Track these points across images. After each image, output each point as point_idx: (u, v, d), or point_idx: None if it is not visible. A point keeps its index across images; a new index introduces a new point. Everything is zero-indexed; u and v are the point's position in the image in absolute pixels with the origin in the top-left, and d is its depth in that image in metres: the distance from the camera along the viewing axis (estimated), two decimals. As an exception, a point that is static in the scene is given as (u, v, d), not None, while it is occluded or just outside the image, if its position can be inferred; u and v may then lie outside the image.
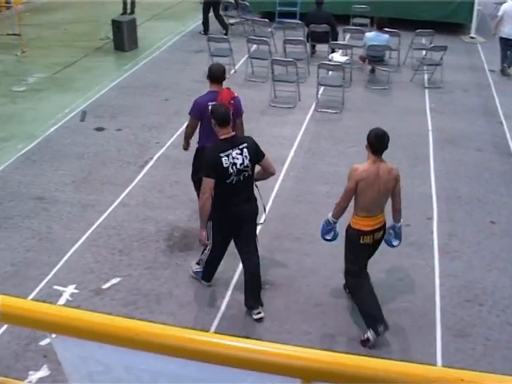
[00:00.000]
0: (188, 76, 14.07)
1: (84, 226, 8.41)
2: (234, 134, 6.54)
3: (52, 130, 11.48)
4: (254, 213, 6.72)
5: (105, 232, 8.30)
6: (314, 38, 15.18)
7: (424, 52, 14.68)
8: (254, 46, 14.88)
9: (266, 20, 16.26)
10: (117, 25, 15.91)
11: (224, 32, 17.02)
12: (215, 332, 6.45)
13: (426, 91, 13.51)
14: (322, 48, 15.19)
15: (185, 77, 13.95)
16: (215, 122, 6.48)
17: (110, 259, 7.76)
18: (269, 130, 11.34)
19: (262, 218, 7.05)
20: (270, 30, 16.03)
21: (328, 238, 6.69)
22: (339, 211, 6.46)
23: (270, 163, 6.74)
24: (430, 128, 11.67)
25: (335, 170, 9.95)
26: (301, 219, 8.61)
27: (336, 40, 14.94)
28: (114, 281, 7.37)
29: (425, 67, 14.27)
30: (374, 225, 6.34)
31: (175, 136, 11.06)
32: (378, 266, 7.62)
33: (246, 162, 6.39)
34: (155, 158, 10.31)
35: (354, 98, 12.96)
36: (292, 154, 10.48)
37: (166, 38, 16.95)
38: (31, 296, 7.00)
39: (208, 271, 7.18)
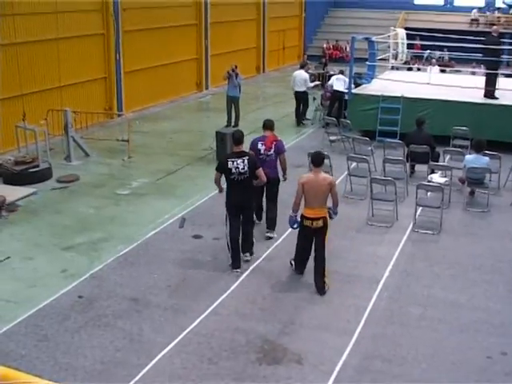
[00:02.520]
0: (286, 190, 14.34)
1: (175, 331, 8.56)
2: (241, 150, 10.31)
3: (151, 234, 11.93)
4: (249, 202, 10.50)
5: (195, 339, 8.42)
6: (414, 158, 15.29)
7: (526, 176, 14.53)
8: (354, 164, 15.11)
9: (367, 138, 16.55)
10: (220, 136, 16.57)
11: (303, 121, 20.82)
12: None
13: (528, 216, 13.28)
14: (421, 168, 15.27)
15: (283, 190, 14.27)
16: (233, 142, 10.49)
17: (198, 366, 7.83)
18: (364, 249, 11.37)
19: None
20: (369, 148, 16.28)
21: (294, 226, 9.96)
22: (295, 206, 9.79)
23: (262, 175, 10.41)
24: (531, 255, 11.39)
25: (430, 292, 9.81)
26: (392, 341, 8.48)
27: (436, 161, 15.00)
28: (201, 389, 7.41)
29: (527, 191, 14.09)
30: (312, 214, 9.61)
31: (270, 249, 11.29)
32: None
33: (246, 168, 10.18)
34: (250, 269, 10.48)
35: (452, 219, 12.87)
36: (387, 273, 10.43)
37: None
38: (118, 397, 7.13)
39: (231, 246, 10.42)
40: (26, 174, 14.70)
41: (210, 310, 9.16)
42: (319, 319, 9.01)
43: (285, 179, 11.98)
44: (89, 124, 18.23)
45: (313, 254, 9.94)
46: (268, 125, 11.86)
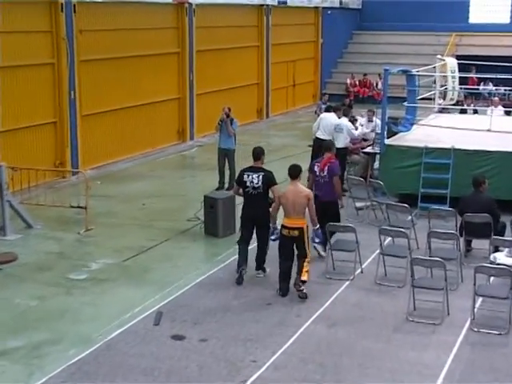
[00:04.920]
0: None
1: None
2: (259, 166, 14.08)
3: (115, 334, 11.81)
4: (262, 217, 13.90)
5: None
6: (471, 232, 15.22)
7: None
8: (388, 239, 15.07)
9: (405, 205, 16.47)
10: (210, 202, 16.56)
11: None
12: None
13: None
14: (480, 245, 15.25)
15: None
16: (252, 157, 14.25)
17: None
18: (404, 354, 11.24)
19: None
20: (409, 218, 16.30)
21: (272, 238, 13.72)
22: (272, 218, 13.68)
23: (275, 192, 13.75)
24: None
25: (497, 415, 9.65)
26: None
27: (501, 235, 14.93)
28: None
29: None
30: (290, 223, 13.21)
31: (278, 354, 11.17)
32: None
33: (260, 183, 13.77)
34: (249, 382, 10.37)
35: (525, 314, 12.75)
36: (437, 388, 10.31)
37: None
38: None
39: (239, 256, 14.13)
40: None
41: None
42: None
43: (341, 206, 16.09)
44: (32, 185, 18.25)
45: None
46: (326, 146, 15.73)
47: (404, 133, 20.83)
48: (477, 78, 34.03)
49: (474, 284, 12.44)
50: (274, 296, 13.18)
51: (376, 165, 20.91)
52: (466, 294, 12.92)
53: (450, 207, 16.77)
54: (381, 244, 14.49)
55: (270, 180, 13.89)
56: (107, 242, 16.32)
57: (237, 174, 14.76)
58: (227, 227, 16.71)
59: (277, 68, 35.18)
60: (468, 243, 15.58)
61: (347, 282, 14.10)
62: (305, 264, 13.23)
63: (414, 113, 21.92)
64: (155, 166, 24.26)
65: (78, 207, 17.33)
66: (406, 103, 21.75)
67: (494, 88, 33.97)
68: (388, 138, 19.96)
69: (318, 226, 13.62)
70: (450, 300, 12.70)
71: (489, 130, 19.51)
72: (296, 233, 13.16)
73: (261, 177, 13.81)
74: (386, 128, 19.99)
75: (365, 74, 39.78)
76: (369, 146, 21.55)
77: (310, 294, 13.08)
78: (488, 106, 26.24)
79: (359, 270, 14.54)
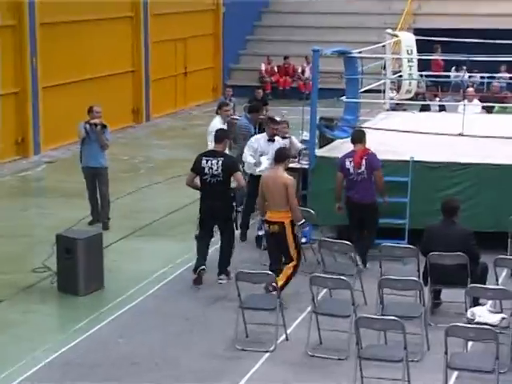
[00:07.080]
0: (196, 347, 14.22)
1: None
2: (219, 150, 16.76)
3: None
4: (223, 210, 16.58)
5: None
6: (439, 278, 15.37)
7: None
8: (324, 291, 15.14)
9: (346, 242, 16.59)
10: (66, 244, 16.39)
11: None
12: None
13: None
14: (452, 295, 15.43)
15: (190, 345, 14.15)
16: (214, 139, 17.40)
17: None
18: None
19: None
20: (353, 262, 16.36)
21: (260, 233, 17.89)
22: (260, 210, 16.85)
23: (240, 179, 16.89)
24: None
25: None
26: None
27: (482, 281, 15.10)
28: None
29: None
30: (270, 217, 15.75)
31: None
32: None
33: (219, 170, 16.33)
34: None
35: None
36: None
37: (158, 272, 17.42)
38: None
39: (197, 252, 17.01)
40: None
41: None
42: None
43: (386, 203, 17.68)
44: None
45: None
46: (357, 137, 17.87)
47: (342, 139, 20.91)
48: (443, 60, 34.47)
49: (446, 352, 12.54)
50: (164, 377, 13.07)
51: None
52: (434, 366, 13.08)
53: (409, 243, 16.94)
54: (313, 298, 14.52)
55: (231, 166, 16.58)
56: None
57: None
58: (92, 280, 16.65)
59: (160, 49, 35.24)
60: (436, 294, 15.76)
61: (267, 355, 14.08)
62: (287, 266, 15.75)
63: (356, 111, 22.20)
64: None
65: None
66: (344, 98, 21.91)
67: (468, 75, 34.54)
68: (320, 147, 20.08)
69: (303, 221, 16.06)
70: (413, 375, 12.77)
71: (461, 135, 19.71)
72: (276, 228, 15.64)
73: (220, 162, 16.36)
74: (318, 133, 20.06)
75: (286, 57, 40.06)
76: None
77: (214, 372, 13.09)
78: (460, 101, 26.52)
79: (283, 337, 14.59)
